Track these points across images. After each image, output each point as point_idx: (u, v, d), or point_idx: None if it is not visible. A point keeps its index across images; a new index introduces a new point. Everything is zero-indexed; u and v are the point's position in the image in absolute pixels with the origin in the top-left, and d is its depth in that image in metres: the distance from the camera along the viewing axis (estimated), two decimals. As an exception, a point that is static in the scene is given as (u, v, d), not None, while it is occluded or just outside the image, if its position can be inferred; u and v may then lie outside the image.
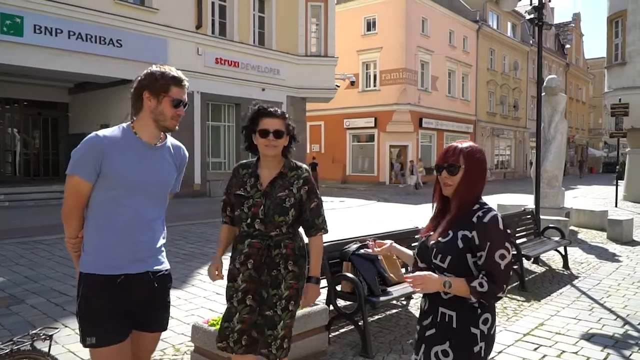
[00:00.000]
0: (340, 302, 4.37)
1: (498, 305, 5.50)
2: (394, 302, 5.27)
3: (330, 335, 4.21)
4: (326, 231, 2.72)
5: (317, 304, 4.19)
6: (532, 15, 8.42)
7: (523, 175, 40.70)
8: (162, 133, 2.33)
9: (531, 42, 41.05)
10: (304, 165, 2.71)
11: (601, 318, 5.09)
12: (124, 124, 2.29)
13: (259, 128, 2.56)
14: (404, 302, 5.48)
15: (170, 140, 2.40)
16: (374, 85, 30.01)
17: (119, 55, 15.52)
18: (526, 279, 6.42)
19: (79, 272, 2.22)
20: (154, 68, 2.27)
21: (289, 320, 2.62)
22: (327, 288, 4.34)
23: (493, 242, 1.94)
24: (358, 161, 30.90)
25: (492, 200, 16.60)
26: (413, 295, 5.58)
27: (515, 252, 6.31)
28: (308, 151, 28.95)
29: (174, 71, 2.28)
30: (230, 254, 2.72)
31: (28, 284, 6.10)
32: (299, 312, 3.82)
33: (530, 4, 8.48)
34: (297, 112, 21.42)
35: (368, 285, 4.18)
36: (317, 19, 21.63)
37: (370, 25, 30.03)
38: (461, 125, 34.18)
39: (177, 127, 2.31)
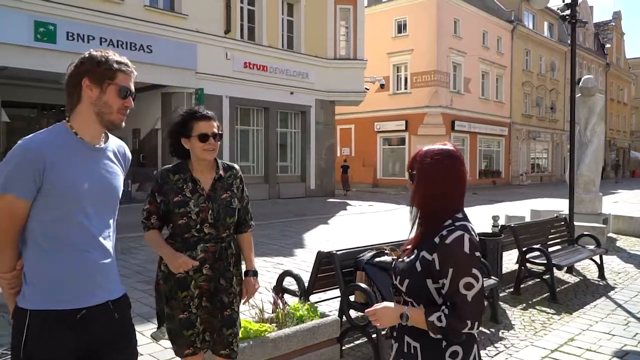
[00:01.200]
0: (353, 313, 4.18)
1: (526, 317, 5.21)
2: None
3: (342, 348, 4.03)
4: (253, 226, 2.79)
5: (328, 315, 4.03)
6: (565, 13, 8.04)
7: (560, 179, 39.43)
8: (104, 131, 1.95)
9: (569, 41, 39.81)
10: (236, 165, 2.74)
11: (637, 334, 4.74)
12: (59, 123, 1.90)
13: (196, 133, 2.49)
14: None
15: (113, 139, 2.04)
16: (405, 88, 29.63)
17: (149, 61, 15.71)
18: (557, 289, 6.08)
19: (13, 311, 1.83)
20: (94, 52, 1.91)
21: (239, 318, 2.73)
22: (340, 298, 4.17)
23: (456, 268, 1.65)
24: (389, 165, 30.55)
25: (526, 205, 16.07)
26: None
27: (545, 261, 5.99)
28: (339, 154, 28.84)
29: (118, 56, 1.93)
30: (162, 266, 2.57)
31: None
32: (310, 323, 3.68)
33: (563, 1, 8.10)
34: (326, 116, 21.33)
35: (382, 296, 3.99)
36: (346, 21, 21.48)
37: (401, 28, 29.69)
38: (495, 127, 33.40)
39: (124, 123, 1.94)
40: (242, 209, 2.69)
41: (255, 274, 2.74)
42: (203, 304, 2.57)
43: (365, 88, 21.95)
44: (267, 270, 7.22)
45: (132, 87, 1.95)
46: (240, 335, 3.29)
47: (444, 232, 1.69)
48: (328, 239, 10.30)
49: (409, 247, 1.83)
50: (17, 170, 1.74)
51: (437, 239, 1.69)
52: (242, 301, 2.73)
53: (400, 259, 1.84)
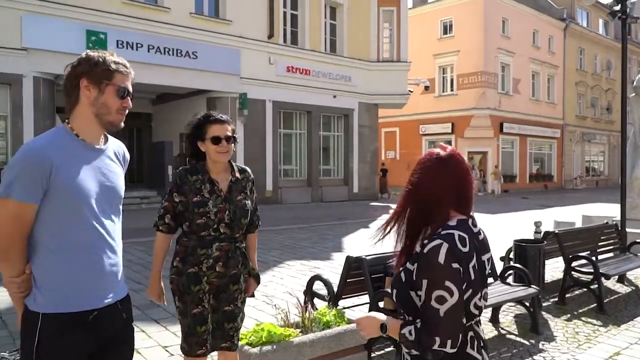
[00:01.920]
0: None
1: (569, 329, 4.95)
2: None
3: (371, 356, 3.94)
4: (259, 226, 2.93)
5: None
6: (615, 8, 7.63)
7: (618, 184, 37.59)
8: (104, 132, 1.95)
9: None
10: (248, 168, 2.86)
11: (693, 350, 4.40)
12: (59, 125, 1.92)
13: (210, 135, 2.59)
14: (462, 321, 5.08)
15: (112, 139, 2.04)
16: (451, 90, 29.07)
17: (194, 67, 16.12)
18: (606, 300, 5.74)
19: (21, 315, 1.83)
20: (91, 53, 1.89)
21: (243, 313, 2.81)
22: (368, 304, 4.09)
23: (429, 280, 1.54)
24: (434, 168, 29.98)
25: (578, 211, 15.36)
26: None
27: (592, 270, 5.67)
28: (383, 157, 28.61)
29: (115, 56, 1.91)
30: (175, 261, 2.66)
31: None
32: (336, 329, 3.61)
33: (615, -4, 7.70)
34: (369, 119, 21.20)
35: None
36: (390, 23, 21.30)
37: (447, 28, 29.17)
38: (546, 130, 32.23)
39: (122, 124, 1.93)
40: (255, 210, 2.83)
41: (256, 276, 2.86)
42: (212, 302, 2.67)
43: (409, 90, 21.67)
44: (303, 274, 7.19)
45: (130, 88, 1.94)
46: (263, 339, 3.29)
47: (426, 241, 1.61)
48: (367, 243, 10.17)
49: (401, 258, 1.74)
50: (23, 175, 1.72)
51: (418, 248, 1.64)
52: (243, 305, 2.82)
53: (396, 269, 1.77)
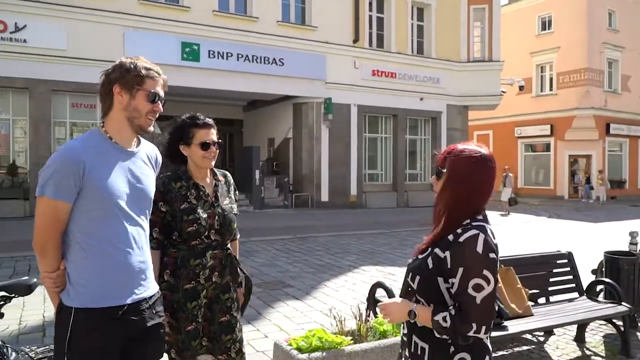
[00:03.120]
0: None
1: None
2: (528, 336, 4.54)
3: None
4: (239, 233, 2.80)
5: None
6: None
7: None
8: (136, 135, 2.04)
9: None
10: (227, 172, 2.76)
11: None
12: (94, 128, 2.01)
13: (197, 140, 2.47)
14: (542, 338, 4.68)
15: (145, 143, 2.12)
16: (550, 89, 27.25)
17: (281, 74, 16.53)
18: (632, 341, 4.88)
19: (57, 307, 1.91)
20: (124, 59, 1.99)
21: (240, 323, 2.68)
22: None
23: (467, 268, 1.60)
24: (531, 173, 28.30)
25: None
26: (554, 330, 4.75)
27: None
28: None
29: (147, 62, 2.00)
30: (165, 275, 2.48)
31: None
32: (391, 340, 3.47)
33: None
34: (459, 121, 20.47)
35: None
36: (481, 22, 20.43)
37: (546, 24, 27.40)
38: (663, 130, 29.14)
39: (152, 128, 2.01)
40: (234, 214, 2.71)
41: (240, 284, 2.72)
42: (206, 313, 2.55)
43: (502, 91, 20.62)
44: (377, 280, 7.02)
45: (161, 92, 2.00)
46: (313, 345, 3.22)
47: (459, 230, 1.67)
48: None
49: (424, 245, 1.79)
50: (58, 175, 1.81)
51: (451, 237, 1.67)
52: (240, 316, 2.70)
53: (414, 257, 1.82)
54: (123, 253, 1.90)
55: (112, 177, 1.89)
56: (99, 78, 1.97)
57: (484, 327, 1.60)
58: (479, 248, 1.60)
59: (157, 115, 2.01)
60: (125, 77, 1.92)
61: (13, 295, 2.29)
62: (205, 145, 2.47)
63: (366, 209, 17.91)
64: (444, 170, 1.76)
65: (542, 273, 4.54)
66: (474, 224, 1.68)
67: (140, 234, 1.98)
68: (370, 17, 18.60)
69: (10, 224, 11.79)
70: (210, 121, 2.56)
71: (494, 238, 1.68)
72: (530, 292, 4.29)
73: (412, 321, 1.73)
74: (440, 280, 1.66)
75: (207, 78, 15.54)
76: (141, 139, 2.10)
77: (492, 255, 1.62)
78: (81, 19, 13.76)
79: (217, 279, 2.53)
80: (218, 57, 15.51)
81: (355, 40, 17.91)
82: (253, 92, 16.88)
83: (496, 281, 1.63)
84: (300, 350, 3.20)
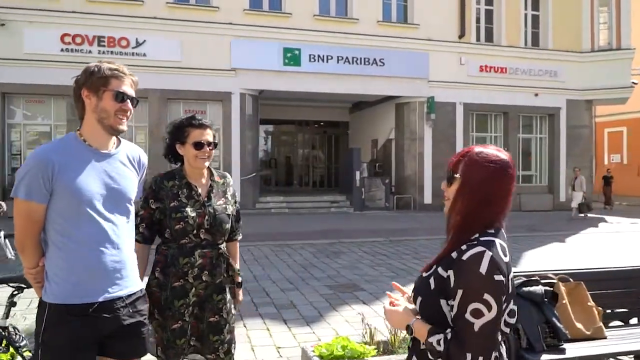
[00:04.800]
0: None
1: None
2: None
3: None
4: (241, 234, 2.82)
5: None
6: None
7: None
8: (114, 137, 2.07)
9: None
10: (228, 174, 2.77)
11: None
12: (70, 132, 2.06)
13: (191, 140, 2.49)
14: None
15: (127, 144, 2.16)
16: (699, 78, 23.69)
17: (382, 74, 16.35)
18: None
19: (39, 300, 2.01)
20: (90, 64, 2.01)
21: (234, 325, 2.68)
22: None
23: (466, 290, 1.43)
24: (676, 174, 24.85)
25: None
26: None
27: None
28: (606, 162, 24.92)
29: (114, 64, 2.02)
30: (156, 272, 2.51)
31: (249, 282, 6.87)
32: (402, 356, 3.21)
33: None
34: (581, 118, 18.64)
35: (527, 337, 3.22)
36: (608, 7, 18.40)
37: (694, 4, 23.88)
38: None
39: (125, 127, 2.02)
40: (235, 216, 2.71)
41: (239, 285, 2.71)
42: (194, 310, 2.54)
43: (633, 82, 18.36)
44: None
45: (130, 91, 2.02)
46: (334, 353, 3.10)
47: (464, 247, 1.49)
48: (546, 259, 8.91)
49: (432, 262, 1.64)
50: (29, 177, 1.89)
51: (454, 254, 1.51)
52: (231, 318, 2.67)
53: (420, 274, 1.68)
54: (95, 252, 1.95)
55: (83, 179, 1.94)
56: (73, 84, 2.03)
57: (481, 358, 1.43)
58: (483, 268, 1.42)
59: (129, 114, 2.03)
60: (90, 79, 1.97)
61: (25, 286, 2.49)
62: (198, 145, 2.49)
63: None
64: (457, 176, 1.58)
65: (624, 290, 3.91)
66: (482, 239, 1.49)
67: (116, 233, 2.02)
68: (478, 10, 17.66)
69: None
70: (207, 122, 2.56)
71: (506, 256, 1.49)
72: (607, 311, 3.72)
73: (408, 335, 1.62)
74: (443, 302, 1.51)
75: (308, 82, 15.86)
76: (122, 140, 2.14)
77: (497, 277, 1.42)
78: (193, 32, 14.80)
79: (207, 277, 2.51)
80: (318, 61, 15.76)
81: (461, 36, 17.12)
82: (353, 94, 16.91)
83: (500, 307, 1.43)
84: (321, 357, 3.10)
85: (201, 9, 15.15)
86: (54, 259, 1.95)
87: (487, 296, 1.40)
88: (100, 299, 1.95)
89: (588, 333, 3.46)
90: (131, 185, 2.10)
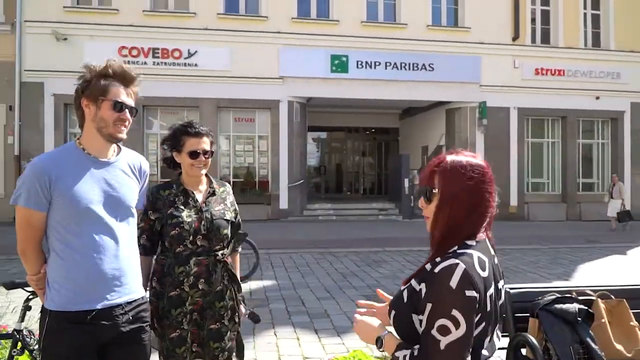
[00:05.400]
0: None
1: None
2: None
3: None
4: (240, 248, 2.81)
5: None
6: None
7: None
8: (114, 145, 2.09)
9: None
10: (227, 184, 2.77)
11: None
12: (70, 142, 2.09)
13: (187, 149, 2.48)
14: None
15: (127, 152, 2.18)
16: None
17: (431, 79, 16.03)
18: None
19: (41, 307, 2.04)
20: (86, 72, 2.03)
21: (236, 332, 2.64)
22: (506, 350, 3.32)
23: (435, 305, 1.33)
24: None
25: None
26: None
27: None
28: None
29: (122, 66, 2.05)
30: (153, 282, 2.52)
31: (286, 290, 6.86)
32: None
33: None
34: (647, 122, 17.52)
35: (558, 357, 3.00)
36: (678, 3, 17.23)
37: None
38: None
39: (124, 135, 2.04)
40: (236, 225, 2.69)
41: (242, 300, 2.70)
42: (194, 317, 2.51)
43: None
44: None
45: (127, 101, 2.04)
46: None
47: (438, 259, 1.41)
48: (602, 273, 8.36)
49: (410, 275, 1.56)
50: (27, 185, 1.94)
51: (429, 266, 1.44)
52: (234, 326, 2.64)
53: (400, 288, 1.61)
54: (94, 260, 1.97)
55: (81, 187, 1.96)
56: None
57: None
58: (453, 282, 1.32)
59: (128, 124, 2.05)
60: (89, 88, 1.99)
61: None
62: (193, 154, 2.49)
63: (528, 222, 16.33)
64: (435, 191, 1.48)
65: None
66: (459, 251, 1.40)
67: (116, 241, 2.03)
68: (533, 11, 17.01)
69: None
70: (204, 130, 2.54)
71: (484, 270, 1.38)
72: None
73: (378, 349, 1.53)
74: (415, 316, 1.44)
75: (356, 88, 15.79)
76: (123, 148, 2.16)
77: (469, 292, 1.32)
78: (242, 41, 15.10)
79: (204, 286, 2.48)
80: (366, 67, 15.67)
81: (515, 38, 16.52)
82: (402, 100, 16.68)
83: (470, 326, 1.32)
84: (336, 371, 3.02)
85: (250, 19, 15.44)
86: (54, 266, 1.98)
87: (455, 312, 1.31)
88: (99, 306, 1.96)
89: (629, 355, 3.18)
90: (131, 193, 2.12)
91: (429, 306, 1.35)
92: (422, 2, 16.11)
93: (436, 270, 1.37)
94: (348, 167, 22.96)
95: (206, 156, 2.52)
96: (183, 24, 14.98)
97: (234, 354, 2.63)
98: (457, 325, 1.30)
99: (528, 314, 3.32)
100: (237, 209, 2.74)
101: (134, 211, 2.14)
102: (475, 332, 1.36)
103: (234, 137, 15.85)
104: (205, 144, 2.52)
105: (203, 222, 2.49)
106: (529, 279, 7.80)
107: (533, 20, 17.03)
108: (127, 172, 2.12)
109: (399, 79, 15.87)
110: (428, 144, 18.98)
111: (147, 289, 2.51)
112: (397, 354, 1.43)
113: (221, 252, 2.57)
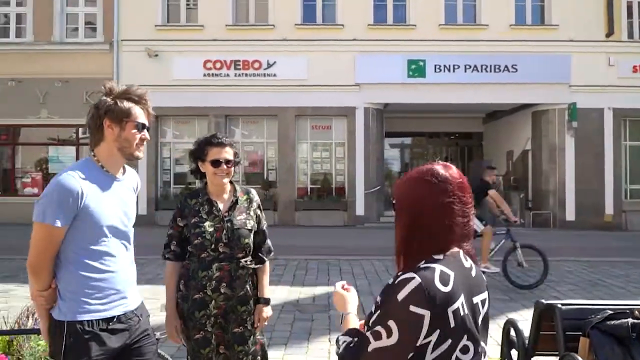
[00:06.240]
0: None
1: None
2: None
3: None
4: (272, 252, 2.85)
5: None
6: None
7: None
8: (124, 163, 2.21)
9: None
10: (252, 189, 2.84)
11: None
12: (86, 157, 2.17)
13: (209, 158, 2.62)
14: None
15: (127, 170, 2.28)
16: None
17: (514, 81, 15.32)
18: None
19: (48, 323, 2.08)
20: (106, 97, 2.11)
21: (260, 337, 2.74)
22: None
23: (380, 312, 1.37)
24: None
25: None
26: None
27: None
28: None
29: (134, 92, 2.13)
30: (180, 285, 2.64)
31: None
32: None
33: None
34: None
35: (608, 381, 2.76)
36: None
37: None
38: None
39: (142, 154, 2.16)
40: (262, 232, 2.78)
41: (266, 302, 2.76)
42: (218, 320, 2.63)
43: None
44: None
45: (147, 122, 2.16)
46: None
47: (401, 272, 1.40)
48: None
49: None
50: (55, 203, 1.98)
51: (391, 280, 1.43)
52: (256, 329, 2.73)
53: None
54: (111, 270, 2.09)
55: (104, 203, 2.08)
56: (88, 113, 2.13)
57: None
58: (401, 295, 1.32)
59: (145, 143, 2.18)
60: (113, 110, 2.08)
61: None
62: (216, 163, 2.62)
63: (626, 232, 15.01)
64: (394, 202, 1.51)
65: None
66: (423, 265, 1.38)
67: (126, 253, 2.18)
68: (629, 4, 15.67)
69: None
70: (227, 141, 2.68)
71: (446, 285, 1.34)
72: None
73: (340, 324, 1.62)
74: None
75: (434, 92, 15.45)
76: (125, 166, 2.26)
77: (415, 309, 1.29)
78: (318, 50, 15.37)
79: (226, 290, 2.59)
80: (444, 71, 15.30)
81: (609, 34, 15.32)
82: (483, 103, 16.08)
83: (404, 340, 1.30)
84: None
85: (327, 28, 15.67)
86: (69, 277, 2.04)
87: (391, 323, 1.31)
88: (117, 313, 2.09)
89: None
90: (134, 208, 2.25)
91: (376, 313, 1.39)
92: (504, 1, 15.45)
93: (395, 281, 1.38)
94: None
95: (228, 165, 2.64)
96: (263, 36, 15.53)
97: (258, 358, 2.71)
98: (389, 334, 1.31)
99: (580, 333, 3.10)
100: (262, 215, 2.82)
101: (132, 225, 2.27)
102: (441, 349, 1.34)
103: (312, 145, 16.13)
104: (228, 153, 2.64)
105: (224, 232, 2.60)
106: (610, 294, 7.18)
107: (630, 14, 15.70)
108: (130, 188, 2.25)
109: (479, 81, 15.32)
110: (513, 148, 18.10)
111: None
112: (340, 337, 1.47)
113: (243, 259, 2.66)
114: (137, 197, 2.33)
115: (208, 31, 15.51)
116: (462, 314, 1.36)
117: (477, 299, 1.44)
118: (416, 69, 15.29)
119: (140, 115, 2.13)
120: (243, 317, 2.66)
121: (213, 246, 2.58)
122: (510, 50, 15.31)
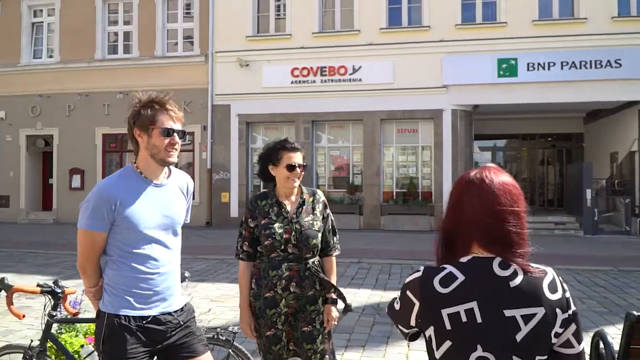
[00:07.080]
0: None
1: None
2: None
3: None
4: (339, 250, 2.92)
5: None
6: None
7: None
8: (165, 168, 2.26)
9: None
10: (319, 190, 2.94)
11: None
12: (128, 165, 2.27)
13: (284, 163, 2.72)
14: None
15: (176, 173, 2.35)
16: None
17: (618, 77, 14.19)
18: None
19: (97, 312, 2.25)
20: (136, 105, 2.20)
21: (327, 336, 2.79)
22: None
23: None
24: None
25: None
26: None
27: None
28: None
29: (157, 97, 2.19)
30: (252, 283, 2.76)
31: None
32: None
33: None
34: None
35: None
36: None
37: None
38: None
39: (175, 159, 2.20)
40: (327, 231, 2.84)
41: (333, 302, 2.79)
42: (288, 318, 2.72)
43: None
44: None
45: (175, 126, 2.20)
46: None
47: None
48: None
49: None
50: (95, 210, 2.13)
51: None
52: (325, 329, 2.77)
53: None
54: (150, 272, 2.21)
55: (141, 209, 2.18)
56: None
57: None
58: (407, 280, 1.49)
59: (178, 147, 2.22)
60: (139, 119, 2.18)
61: None
62: (290, 167, 2.71)
63: None
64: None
65: None
66: (442, 265, 1.44)
67: (167, 255, 2.27)
68: None
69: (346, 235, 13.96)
70: (298, 146, 2.79)
71: (446, 287, 1.36)
72: None
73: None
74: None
75: (528, 92, 14.73)
76: (173, 169, 2.36)
77: (409, 295, 1.44)
78: (404, 53, 15.26)
79: (296, 289, 2.68)
80: (538, 69, 14.53)
81: None
82: (582, 102, 15.05)
83: (403, 311, 1.46)
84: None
85: (413, 30, 15.51)
86: (112, 275, 2.21)
87: (399, 295, 1.50)
88: (154, 313, 2.21)
89: None
90: (181, 211, 2.35)
91: None
92: (604, -8, 14.43)
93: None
94: (523, 177, 21.31)
95: (301, 169, 2.75)
96: (348, 41, 15.70)
97: (327, 357, 2.77)
98: (397, 302, 1.51)
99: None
100: (329, 214, 2.88)
101: (180, 228, 2.37)
102: (443, 349, 1.36)
103: (397, 148, 16.01)
104: (300, 158, 2.75)
105: (293, 233, 2.69)
106: None
107: None
108: (176, 192, 2.34)
109: (578, 79, 14.37)
110: (618, 150, 16.75)
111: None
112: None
113: (312, 260, 2.76)
114: (193, 198, 2.45)
115: (295, 39, 15.97)
116: (463, 320, 1.32)
117: (511, 312, 1.33)
118: (507, 68, 14.67)
119: (165, 120, 2.17)
120: (312, 317, 2.73)
121: (282, 247, 2.68)
122: (613, 44, 14.22)
